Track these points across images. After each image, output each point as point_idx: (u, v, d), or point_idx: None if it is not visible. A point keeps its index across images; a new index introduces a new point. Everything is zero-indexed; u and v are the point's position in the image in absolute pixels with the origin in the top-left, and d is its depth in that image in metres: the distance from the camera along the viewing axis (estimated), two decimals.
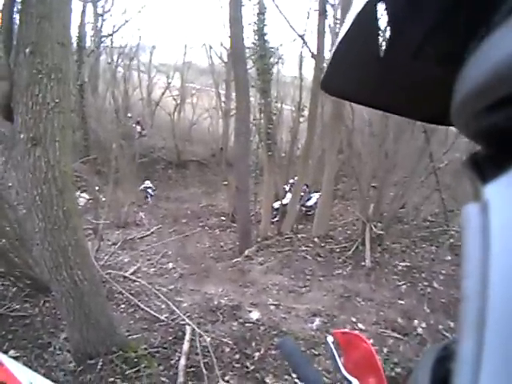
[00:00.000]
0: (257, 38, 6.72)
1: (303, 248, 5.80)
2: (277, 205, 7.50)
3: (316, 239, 6.08)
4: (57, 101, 2.27)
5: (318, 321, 3.79)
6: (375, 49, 0.38)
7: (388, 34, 0.36)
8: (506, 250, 0.23)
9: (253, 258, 5.77)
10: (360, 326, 3.73)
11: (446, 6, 0.32)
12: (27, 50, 2.12)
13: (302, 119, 8.79)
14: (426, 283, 4.64)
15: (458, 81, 0.30)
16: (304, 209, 7.96)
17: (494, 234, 0.24)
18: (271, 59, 7.03)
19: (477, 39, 0.28)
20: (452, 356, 0.27)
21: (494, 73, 0.24)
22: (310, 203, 7.92)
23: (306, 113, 7.85)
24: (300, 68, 10.60)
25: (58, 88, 2.27)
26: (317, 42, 6.44)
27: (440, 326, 3.82)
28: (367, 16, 0.36)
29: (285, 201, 7.21)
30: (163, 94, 15.17)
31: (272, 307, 4.04)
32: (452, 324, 3.91)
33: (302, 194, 7.64)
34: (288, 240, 6.22)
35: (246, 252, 6.02)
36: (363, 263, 5.15)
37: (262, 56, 6.74)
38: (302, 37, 6.46)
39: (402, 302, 4.18)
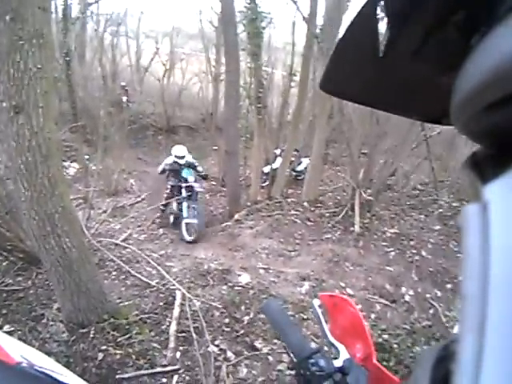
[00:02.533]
0: (248, 1, 6.54)
1: (293, 212, 5.86)
2: (267, 169, 7.53)
3: (306, 203, 6.13)
4: (39, 66, 2.19)
5: (306, 285, 3.86)
6: (375, 48, 0.37)
7: (388, 33, 0.36)
8: (507, 250, 0.23)
9: (243, 221, 5.81)
10: (348, 290, 3.80)
11: (446, 6, 0.32)
12: (7, 17, 2.03)
13: (293, 84, 8.69)
14: (414, 251, 4.74)
15: (457, 80, 0.30)
16: (294, 173, 8.00)
17: (494, 234, 0.24)
18: (262, 23, 6.86)
19: (476, 39, 0.29)
20: (452, 356, 0.27)
21: (493, 72, 0.24)
22: (300, 168, 7.95)
23: (297, 78, 7.73)
24: (292, 33, 10.39)
25: (40, 54, 2.18)
26: (310, 5, 6.28)
27: (427, 295, 3.91)
28: (367, 16, 0.36)
29: (275, 165, 7.20)
30: (152, 59, 14.85)
31: (261, 271, 4.10)
32: (439, 293, 3.98)
33: (293, 158, 7.65)
34: (278, 204, 6.26)
35: (236, 216, 6.06)
36: (352, 228, 5.20)
37: (253, 19, 6.56)
38: (294, 0, 6.28)
39: (391, 269, 4.26)
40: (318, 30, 6.23)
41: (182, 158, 6.20)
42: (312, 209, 5.98)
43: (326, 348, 1.20)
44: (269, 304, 1.06)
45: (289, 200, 6.41)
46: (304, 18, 6.29)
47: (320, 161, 6.33)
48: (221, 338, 3.07)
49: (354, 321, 1.56)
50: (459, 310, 0.25)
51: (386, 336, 3.31)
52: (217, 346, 2.98)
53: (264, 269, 4.14)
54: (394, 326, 3.45)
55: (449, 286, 4.11)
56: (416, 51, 0.36)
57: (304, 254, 4.57)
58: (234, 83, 6.22)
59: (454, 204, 6.40)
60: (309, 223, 5.54)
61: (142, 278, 3.75)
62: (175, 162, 6.22)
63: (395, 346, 3.20)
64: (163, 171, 6.35)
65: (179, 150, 6.27)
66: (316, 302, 1.52)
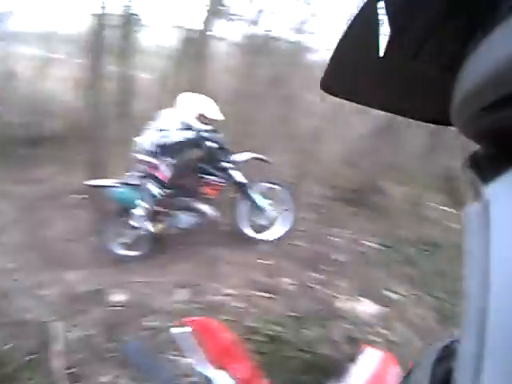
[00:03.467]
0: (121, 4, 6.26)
1: None
2: None
3: None
4: None
5: (185, 292, 3.80)
6: (375, 48, 0.37)
7: (388, 33, 0.36)
8: (507, 250, 0.23)
9: None
10: (227, 290, 3.79)
11: (446, 6, 0.33)
12: None
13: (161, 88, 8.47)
14: (288, 242, 4.85)
15: (457, 80, 0.31)
16: None
17: (494, 233, 0.24)
18: (134, 27, 6.62)
19: (476, 39, 0.29)
20: (452, 355, 0.29)
21: (493, 72, 0.25)
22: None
23: (167, 82, 7.57)
24: (162, 37, 10.13)
25: None
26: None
27: (308, 281, 4.06)
28: (367, 15, 0.36)
29: None
30: (21, 64, 13.40)
31: (137, 285, 3.90)
32: (320, 276, 4.17)
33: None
34: None
35: None
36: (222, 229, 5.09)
37: (125, 23, 6.33)
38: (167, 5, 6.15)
39: (269, 263, 4.31)
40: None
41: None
42: None
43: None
44: (129, 346, 1.03)
45: None
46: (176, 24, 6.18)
47: None
48: (107, 365, 2.86)
49: (227, 343, 1.47)
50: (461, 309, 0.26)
51: (273, 327, 3.38)
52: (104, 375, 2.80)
53: (138, 282, 3.95)
54: (281, 315, 3.55)
55: (330, 268, 4.33)
56: (416, 51, 0.37)
57: (177, 260, 4.45)
58: (97, 90, 5.97)
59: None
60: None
61: (15, 314, 3.34)
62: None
63: (283, 334, 3.32)
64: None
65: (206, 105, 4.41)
66: (180, 330, 1.38)
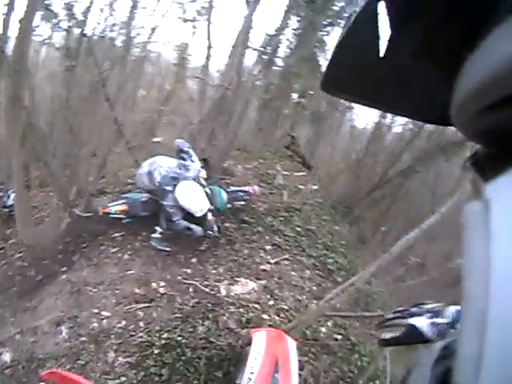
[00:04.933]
0: None
1: (17, 255, 5.05)
2: None
3: (25, 240, 5.19)
4: None
5: (64, 329, 3.48)
6: (375, 49, 0.37)
7: (388, 34, 0.36)
8: (508, 248, 0.23)
9: None
10: (104, 313, 3.57)
11: (446, 7, 0.33)
12: None
13: None
14: (144, 243, 4.60)
15: (458, 81, 0.31)
16: (6, 210, 6.94)
17: (495, 231, 0.24)
18: None
19: (476, 39, 0.28)
20: (452, 354, 0.27)
21: (493, 73, 0.25)
22: (10, 202, 6.93)
23: None
24: None
25: None
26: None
27: (178, 277, 4.01)
28: (368, 16, 0.36)
29: None
30: None
31: (17, 336, 3.51)
32: (188, 271, 4.14)
33: (1, 193, 6.67)
34: (1, 251, 5.30)
35: None
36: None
37: None
38: None
39: (132, 272, 4.11)
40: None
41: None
42: (34, 244, 5.11)
43: None
44: None
45: (10, 242, 5.47)
46: None
47: (23, 189, 5.55)
48: None
49: None
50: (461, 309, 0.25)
51: (165, 335, 3.32)
52: None
53: (18, 333, 3.54)
54: (167, 321, 3.49)
55: (193, 260, 4.30)
56: (416, 52, 0.37)
57: (45, 298, 4.01)
58: None
59: None
60: (36, 261, 4.78)
61: None
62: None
63: (179, 338, 3.28)
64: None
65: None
66: None
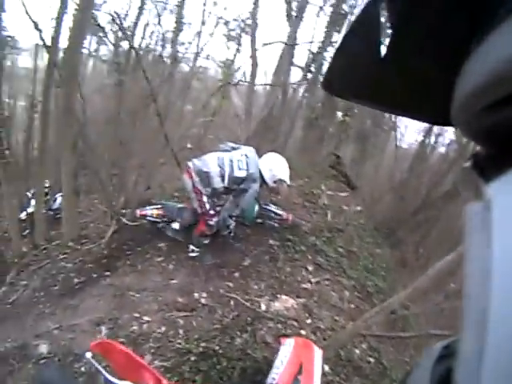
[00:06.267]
0: None
1: (61, 256, 5.22)
2: (24, 215, 6.53)
3: (71, 243, 5.50)
4: None
5: (104, 329, 3.56)
6: (377, 48, 0.37)
7: (390, 33, 0.36)
8: (509, 249, 0.22)
9: (15, 283, 4.92)
10: (145, 318, 3.63)
11: (447, 6, 0.32)
12: None
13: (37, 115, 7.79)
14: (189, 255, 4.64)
15: (458, 81, 0.31)
16: (52, 213, 7.22)
17: (496, 232, 0.23)
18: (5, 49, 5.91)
19: (477, 39, 0.28)
20: (453, 354, 0.27)
21: (494, 73, 0.25)
22: (56, 205, 7.17)
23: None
24: (35, 59, 9.29)
25: None
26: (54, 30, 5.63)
27: (221, 290, 4.03)
28: (369, 16, 0.35)
29: (30, 209, 6.37)
30: None
31: (55, 331, 3.60)
32: (230, 284, 4.15)
33: (48, 197, 6.97)
34: (45, 251, 5.50)
35: (8, 279, 5.00)
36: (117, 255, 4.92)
37: None
38: (36, 24, 5.49)
39: (175, 281, 4.18)
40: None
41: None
42: (78, 247, 5.39)
43: None
44: (43, 374, 1.02)
45: (53, 243, 5.68)
46: (45, 44, 5.65)
47: (72, 194, 5.81)
48: None
49: (128, 357, 1.64)
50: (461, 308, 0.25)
51: (203, 344, 3.34)
52: None
53: (57, 328, 3.63)
54: (206, 331, 3.50)
55: (236, 274, 4.32)
56: (417, 51, 0.36)
57: (88, 299, 4.12)
58: None
59: None
60: (78, 264, 4.99)
61: None
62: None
63: (217, 347, 3.29)
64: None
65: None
66: (88, 355, 1.57)
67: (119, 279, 4.31)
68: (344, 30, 0.38)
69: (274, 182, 4.24)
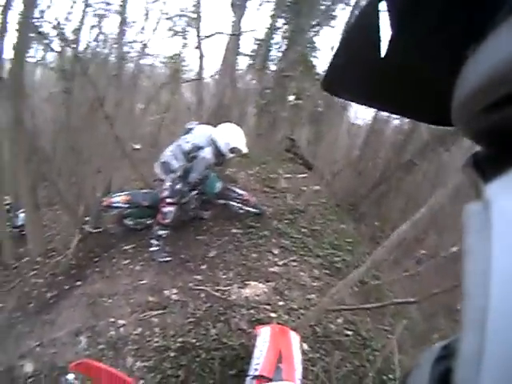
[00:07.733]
0: None
1: (32, 273, 5.15)
2: None
3: (39, 258, 5.45)
4: None
5: (83, 338, 3.57)
6: (376, 49, 0.37)
7: (389, 33, 0.36)
8: (508, 249, 0.23)
9: None
10: (120, 322, 3.65)
11: (447, 6, 0.33)
12: None
13: None
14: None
15: (458, 81, 0.31)
16: (17, 230, 7.04)
17: (495, 232, 0.24)
18: None
19: (476, 39, 0.28)
20: (452, 354, 0.28)
21: (493, 73, 0.25)
22: (20, 222, 7.01)
23: None
24: None
25: None
26: None
27: (190, 284, 4.07)
28: (369, 16, 0.35)
29: None
30: None
31: (37, 349, 3.60)
32: (199, 277, 4.19)
33: (11, 214, 6.77)
34: (15, 270, 5.39)
35: None
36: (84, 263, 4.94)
37: None
38: None
39: (144, 282, 4.18)
40: None
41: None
42: (47, 261, 5.35)
43: None
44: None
45: (23, 261, 5.58)
46: None
47: (33, 208, 5.68)
48: None
49: (109, 374, 1.76)
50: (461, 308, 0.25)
51: (180, 339, 3.41)
52: None
53: (38, 345, 3.63)
54: (181, 326, 3.56)
55: (203, 267, 4.36)
56: (417, 51, 0.37)
57: (63, 309, 4.11)
58: None
59: None
60: (51, 277, 4.95)
61: None
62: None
63: (193, 340, 3.37)
64: None
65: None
66: (71, 376, 1.67)
67: (90, 287, 4.30)
68: (344, 30, 0.41)
69: (231, 151, 4.37)
